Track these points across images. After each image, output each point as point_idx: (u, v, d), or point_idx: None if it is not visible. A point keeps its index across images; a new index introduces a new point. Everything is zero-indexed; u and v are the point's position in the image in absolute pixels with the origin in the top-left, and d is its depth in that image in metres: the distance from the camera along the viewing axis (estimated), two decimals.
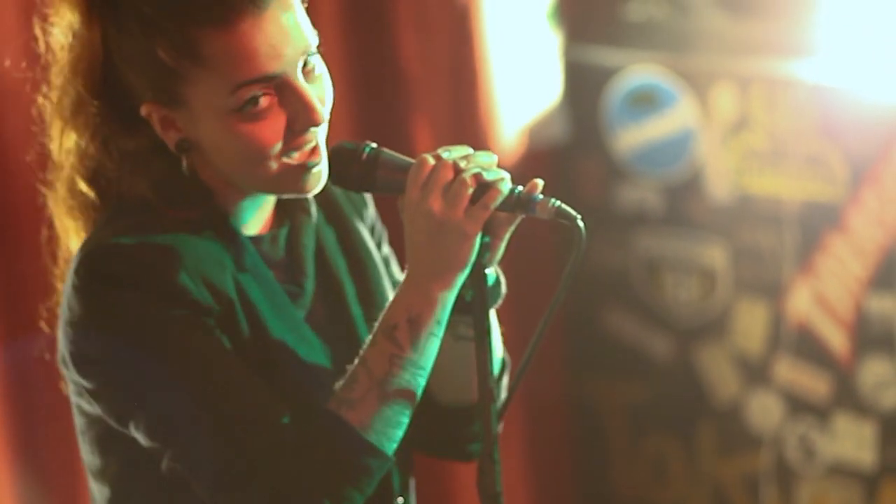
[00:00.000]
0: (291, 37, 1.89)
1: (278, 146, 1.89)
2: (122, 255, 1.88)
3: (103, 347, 1.89)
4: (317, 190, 1.95)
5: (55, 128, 1.99)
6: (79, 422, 2.02)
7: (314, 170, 1.92)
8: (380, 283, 2.13)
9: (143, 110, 1.92)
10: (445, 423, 2.11)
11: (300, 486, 1.85)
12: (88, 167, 1.98)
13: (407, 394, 1.88)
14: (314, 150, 1.92)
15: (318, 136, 1.93)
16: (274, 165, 1.90)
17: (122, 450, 1.96)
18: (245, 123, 1.88)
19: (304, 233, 2.05)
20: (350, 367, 1.90)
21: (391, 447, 1.89)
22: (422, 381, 1.89)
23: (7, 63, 2.39)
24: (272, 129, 1.88)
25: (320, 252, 2.08)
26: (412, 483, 2.16)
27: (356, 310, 2.08)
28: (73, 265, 1.93)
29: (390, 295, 2.12)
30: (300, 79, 1.90)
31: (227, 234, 1.96)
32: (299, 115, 1.89)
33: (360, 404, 1.86)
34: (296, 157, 1.91)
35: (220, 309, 1.90)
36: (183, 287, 1.87)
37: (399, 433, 1.90)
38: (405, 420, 1.90)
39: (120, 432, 1.93)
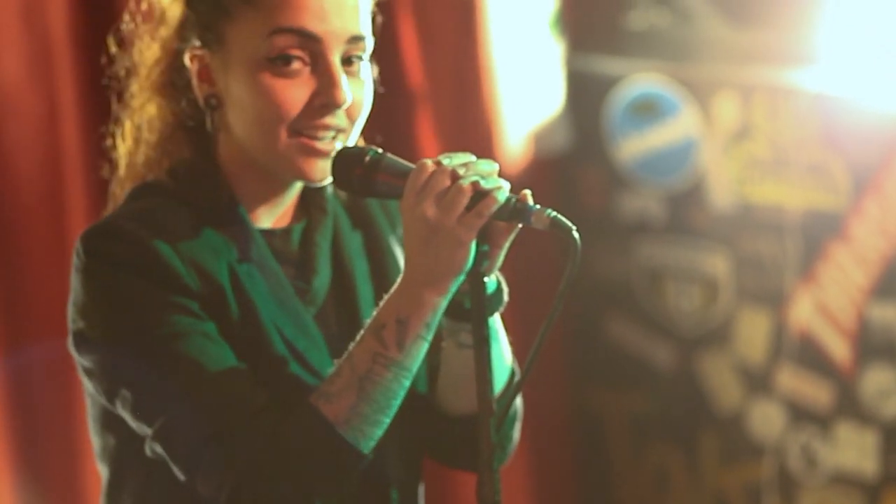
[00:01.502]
0: (344, 12, 1.93)
1: (293, 114, 1.92)
2: (115, 236, 1.91)
3: (94, 325, 1.92)
4: (320, 183, 1.97)
5: (137, 89, 2.06)
6: (87, 403, 2.05)
7: (325, 159, 1.94)
8: None
9: (188, 55, 1.97)
10: (457, 432, 2.11)
11: (272, 473, 1.86)
12: (140, 135, 2.05)
13: (388, 393, 1.89)
14: (329, 138, 1.94)
15: (339, 125, 1.94)
16: (286, 137, 1.92)
17: (117, 430, 1.99)
18: (270, 76, 1.91)
19: (319, 232, 2.07)
20: (336, 364, 1.92)
21: (367, 445, 1.90)
22: (405, 383, 1.90)
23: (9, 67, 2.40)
24: (294, 93, 1.91)
25: (337, 253, 2.09)
26: (420, 492, 2.16)
27: (370, 314, 2.09)
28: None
29: None
30: (337, 59, 1.93)
31: (236, 224, 1.98)
32: (323, 90, 1.92)
33: (338, 398, 1.88)
34: (311, 140, 1.93)
35: (208, 294, 1.92)
36: (172, 270, 1.90)
37: (377, 432, 1.90)
38: (384, 419, 1.90)
39: (115, 412, 1.96)
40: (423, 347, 1.90)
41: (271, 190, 2.02)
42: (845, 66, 3.58)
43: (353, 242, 2.12)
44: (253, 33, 1.91)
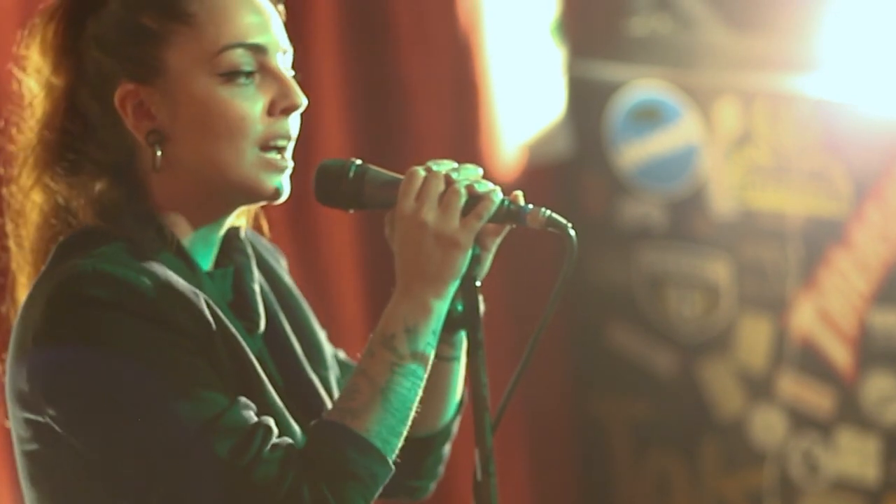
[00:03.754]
0: (276, 24, 1.93)
1: (255, 127, 1.89)
2: (105, 279, 1.83)
3: (87, 372, 1.83)
4: (281, 199, 1.94)
5: (21, 168, 1.97)
6: (33, 471, 1.92)
7: (283, 175, 1.92)
8: (311, 325, 2.13)
9: (118, 96, 1.90)
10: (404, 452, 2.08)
11: (311, 495, 1.82)
12: (41, 208, 1.97)
13: (407, 403, 1.87)
14: (285, 148, 1.92)
15: (292, 131, 1.93)
16: (247, 153, 1.89)
17: (88, 497, 1.88)
18: (226, 91, 1.88)
19: (247, 273, 2.04)
20: (349, 381, 1.88)
21: (393, 457, 1.87)
22: (420, 392, 1.89)
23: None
24: (251, 105, 1.89)
25: (262, 294, 2.07)
26: None
27: (297, 349, 2.08)
28: (44, 293, 1.86)
29: (322, 338, 2.14)
30: (282, 64, 1.92)
31: (186, 266, 1.94)
32: (281, 96, 1.90)
33: (364, 413, 1.85)
34: (269, 155, 1.91)
35: (200, 334, 1.87)
36: (167, 311, 1.84)
37: (399, 444, 1.88)
38: (403, 432, 1.88)
39: (85, 478, 1.87)
40: (432, 355, 1.89)
41: (206, 232, 1.97)
42: (846, 72, 3.58)
43: (263, 283, 2.10)
44: (198, 54, 1.88)
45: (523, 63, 3.86)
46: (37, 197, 1.97)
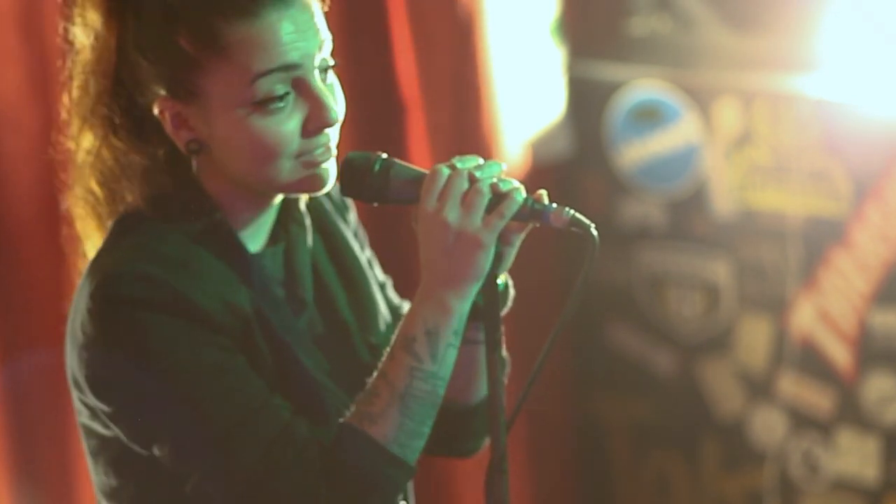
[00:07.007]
0: (311, 27, 1.92)
1: (292, 146, 1.90)
2: (141, 278, 1.87)
3: (124, 371, 1.88)
4: (327, 189, 1.96)
5: (74, 126, 2.00)
6: (90, 444, 2.00)
7: (325, 167, 1.93)
8: (369, 289, 2.14)
9: (156, 107, 1.92)
10: (447, 424, 2.09)
11: (329, 499, 1.85)
12: (101, 170, 1.99)
13: (428, 405, 1.89)
14: (326, 150, 1.93)
15: (331, 136, 1.94)
16: (286, 165, 1.91)
17: (139, 470, 1.96)
18: (260, 118, 1.88)
19: (300, 248, 2.05)
20: (369, 381, 1.91)
21: (414, 458, 1.90)
22: (442, 392, 1.90)
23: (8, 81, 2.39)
24: (287, 127, 1.89)
25: (315, 265, 2.09)
26: (411, 483, 2.16)
27: (349, 317, 2.09)
28: (86, 288, 1.91)
29: (379, 299, 2.14)
30: (317, 77, 1.92)
31: (235, 250, 1.96)
32: (314, 115, 1.91)
33: (383, 418, 1.87)
34: (308, 158, 1.92)
35: (238, 328, 1.90)
36: (203, 308, 1.87)
37: (421, 444, 1.90)
38: (426, 431, 1.90)
39: (137, 453, 1.93)
40: (454, 355, 1.90)
41: (258, 213, 2.00)
42: (846, 72, 3.58)
43: (319, 247, 2.11)
44: (232, 82, 1.88)
45: (523, 63, 3.85)
46: (105, 153, 1.98)
